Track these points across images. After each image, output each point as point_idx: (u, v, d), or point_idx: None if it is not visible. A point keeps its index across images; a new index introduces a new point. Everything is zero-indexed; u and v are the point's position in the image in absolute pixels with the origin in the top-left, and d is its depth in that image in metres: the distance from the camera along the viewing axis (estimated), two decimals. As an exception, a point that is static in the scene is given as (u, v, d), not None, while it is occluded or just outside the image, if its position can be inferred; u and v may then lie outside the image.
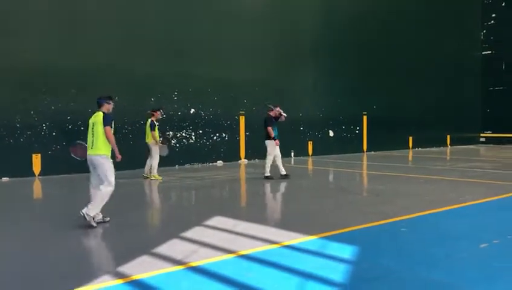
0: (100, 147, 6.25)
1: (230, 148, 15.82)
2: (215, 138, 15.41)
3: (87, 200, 6.48)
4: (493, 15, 26.62)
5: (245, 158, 16.09)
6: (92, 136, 6.30)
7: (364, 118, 20.22)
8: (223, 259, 4.70)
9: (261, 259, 4.69)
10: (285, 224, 6.27)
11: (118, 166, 11.64)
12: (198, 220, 6.65)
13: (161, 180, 11.25)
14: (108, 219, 6.50)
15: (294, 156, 17.45)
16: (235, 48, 15.85)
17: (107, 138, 6.26)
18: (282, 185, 10.45)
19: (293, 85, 17.57)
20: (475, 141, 26.70)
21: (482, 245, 5.13)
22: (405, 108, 21.58)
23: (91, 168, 6.44)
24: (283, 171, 11.31)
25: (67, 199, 8.92)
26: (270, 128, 11.08)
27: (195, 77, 14.79)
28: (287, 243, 5.25)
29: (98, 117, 6.34)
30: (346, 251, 4.92)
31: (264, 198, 8.79)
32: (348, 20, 19.40)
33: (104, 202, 6.23)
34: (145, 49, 13.82)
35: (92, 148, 6.28)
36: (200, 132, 15.07)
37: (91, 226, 6.09)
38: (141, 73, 13.67)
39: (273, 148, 11.12)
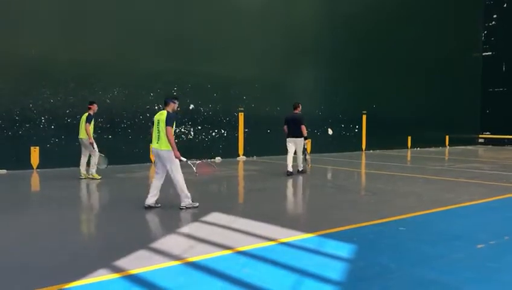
0: (165, 142, 6.88)
1: (229, 144, 15.81)
2: (214, 134, 15.40)
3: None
4: (494, 16, 26.61)
5: (243, 155, 16.09)
6: (158, 132, 6.96)
7: (364, 117, 20.23)
8: (220, 255, 4.70)
9: (257, 256, 4.69)
10: (282, 221, 6.27)
11: (117, 160, 11.58)
12: (195, 216, 6.65)
13: (99, 180, 10.31)
14: (159, 205, 7.14)
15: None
16: (236, 44, 15.82)
17: (167, 136, 6.84)
18: (280, 183, 10.45)
19: (292, 83, 17.55)
20: (474, 141, 26.72)
21: (479, 246, 5.14)
22: (404, 108, 21.59)
23: (156, 159, 7.13)
24: (300, 167, 11.84)
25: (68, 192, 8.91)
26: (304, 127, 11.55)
27: (195, 73, 14.78)
28: (284, 240, 5.25)
29: (162, 115, 6.95)
30: (343, 249, 4.92)
31: (262, 195, 8.79)
32: (348, 19, 19.38)
33: (185, 188, 7.02)
34: (145, 44, 13.80)
35: (157, 142, 6.96)
36: (199, 128, 15.06)
37: (195, 207, 7.04)
38: (141, 68, 13.66)
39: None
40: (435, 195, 8.84)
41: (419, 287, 3.90)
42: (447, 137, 24.69)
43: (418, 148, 22.47)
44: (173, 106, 7.16)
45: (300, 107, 11.93)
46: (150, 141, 7.30)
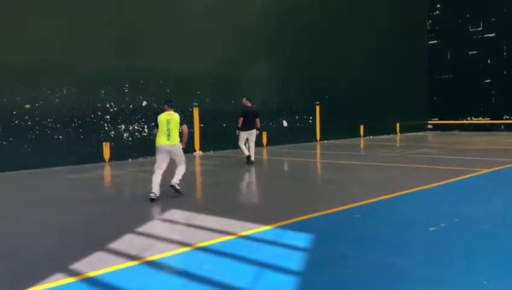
0: (176, 138, 7.72)
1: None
2: (168, 130, 15.21)
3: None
4: (438, 5, 27.52)
5: (200, 150, 15.99)
6: (168, 130, 7.62)
7: (317, 107, 20.51)
8: (179, 252, 4.67)
9: (217, 251, 4.69)
10: (241, 214, 6.29)
11: (68, 160, 11.28)
12: (153, 213, 6.57)
13: None
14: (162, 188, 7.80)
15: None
16: (188, 39, 15.64)
17: (184, 133, 7.89)
18: (238, 176, 10.47)
19: (246, 76, 17.55)
20: (423, 128, 27.63)
21: (431, 229, 5.34)
22: (356, 98, 22.02)
23: (164, 156, 7.72)
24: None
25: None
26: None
27: (147, 69, 14.50)
28: (243, 233, 5.28)
29: (173, 116, 7.71)
30: (302, 239, 5.00)
31: (220, 189, 8.78)
32: (299, 10, 19.53)
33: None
34: (95, 41, 13.41)
35: (168, 139, 7.62)
36: (153, 124, 14.79)
37: (179, 192, 7.73)
38: (91, 65, 13.26)
39: None
40: (388, 182, 9.11)
41: (376, 271, 4.01)
42: (398, 124, 25.41)
43: (371, 137, 23.02)
44: (167, 107, 7.92)
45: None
46: (154, 140, 7.88)
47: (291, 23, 19.23)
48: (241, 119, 12.05)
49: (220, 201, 7.57)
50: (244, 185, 9.57)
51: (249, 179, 10.17)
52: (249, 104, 12.37)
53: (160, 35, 14.87)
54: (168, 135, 7.63)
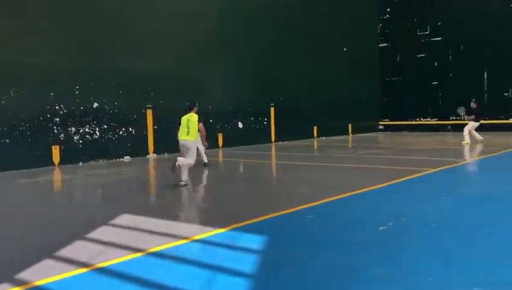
0: (193, 135, 9.11)
1: (138, 143, 15.41)
2: (121, 132, 14.92)
3: None
4: (388, 9, 28.34)
5: (154, 153, 15.78)
6: (187, 128, 9.10)
7: (272, 109, 20.68)
8: (131, 258, 4.59)
9: (170, 255, 4.65)
10: (194, 218, 6.26)
11: (16, 165, 10.94)
12: (104, 219, 6.43)
13: None
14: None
15: (205, 148, 17.37)
16: (140, 39, 15.39)
17: (200, 130, 9.74)
18: (192, 179, 10.41)
19: (201, 77, 17.47)
20: (374, 129, 28.36)
21: (381, 228, 5.49)
22: (310, 99, 22.36)
23: (183, 149, 9.19)
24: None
25: None
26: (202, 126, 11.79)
27: (98, 70, 14.18)
28: (196, 237, 5.25)
29: (192, 117, 9.27)
30: (255, 241, 5.03)
31: (174, 193, 8.69)
32: (253, 13, 19.63)
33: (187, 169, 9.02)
34: (44, 41, 12.97)
35: (187, 136, 9.08)
36: (105, 126, 14.51)
37: (183, 185, 8.91)
38: (40, 67, 12.82)
39: None
40: (340, 182, 9.30)
41: (330, 271, 4.09)
42: (350, 125, 25.97)
43: (324, 138, 23.42)
44: (196, 109, 9.53)
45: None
46: (176, 137, 9.31)
47: (246, 25, 19.30)
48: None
49: (174, 205, 7.50)
50: (198, 187, 9.52)
51: (203, 182, 10.12)
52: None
53: (112, 35, 14.57)
54: (187, 133, 9.12)
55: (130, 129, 15.19)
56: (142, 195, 8.80)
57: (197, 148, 11.95)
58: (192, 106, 9.59)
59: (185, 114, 9.40)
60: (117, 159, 14.65)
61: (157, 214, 6.64)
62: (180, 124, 9.31)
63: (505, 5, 24.00)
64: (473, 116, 17.36)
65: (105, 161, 14.30)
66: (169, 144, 16.00)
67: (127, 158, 14.78)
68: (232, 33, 18.79)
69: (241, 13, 19.24)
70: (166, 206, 7.40)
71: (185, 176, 9.00)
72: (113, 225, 6.05)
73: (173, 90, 16.27)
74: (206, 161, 12.10)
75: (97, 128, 14.28)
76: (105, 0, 14.54)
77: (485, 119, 20.41)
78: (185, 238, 5.22)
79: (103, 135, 14.46)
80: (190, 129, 9.13)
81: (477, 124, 17.32)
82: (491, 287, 3.61)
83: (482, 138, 17.37)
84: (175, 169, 8.75)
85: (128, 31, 15.04)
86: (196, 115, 9.36)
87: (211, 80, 17.90)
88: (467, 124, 17.59)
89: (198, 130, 9.48)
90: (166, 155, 15.64)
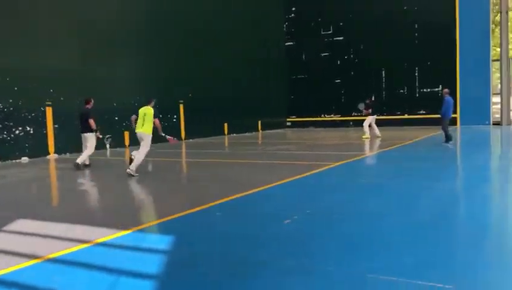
0: (147, 128, 9.73)
1: (37, 142, 14.46)
2: (17, 132, 13.92)
3: None
4: (293, 8, 29.12)
5: (55, 153, 14.91)
6: (143, 121, 9.70)
7: (181, 106, 20.42)
8: (27, 266, 4.28)
9: (70, 261, 4.41)
10: (98, 220, 6.00)
11: None
12: (-3, 225, 5.95)
13: None
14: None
15: (109, 147, 16.75)
16: (39, 34, 14.45)
17: (156, 125, 9.80)
18: (95, 180, 9.99)
19: (106, 75, 16.77)
20: (283, 125, 29.06)
21: (286, 221, 5.63)
22: (220, 97, 22.36)
23: (140, 140, 9.83)
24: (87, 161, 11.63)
25: None
26: (92, 121, 11.29)
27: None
28: (99, 240, 5.03)
29: (148, 110, 9.82)
30: (162, 242, 4.93)
31: (76, 195, 8.28)
32: (163, 11, 19.23)
33: (141, 161, 9.77)
34: None
35: (142, 128, 9.71)
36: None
37: (133, 176, 9.45)
38: None
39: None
40: (249, 178, 9.41)
41: (238, 267, 4.11)
42: (260, 122, 26.40)
43: (234, 135, 23.59)
44: (152, 103, 10.09)
45: (92, 101, 11.92)
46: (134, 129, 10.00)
47: (154, 22, 18.87)
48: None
49: (75, 207, 7.13)
50: (101, 189, 9.14)
51: (107, 183, 9.75)
52: (85, 106, 11.69)
53: (7, 30, 13.54)
54: (142, 125, 9.72)
55: (28, 128, 14.22)
56: (40, 198, 8.27)
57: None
58: (150, 99, 10.23)
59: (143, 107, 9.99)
60: (14, 161, 13.66)
61: (56, 217, 6.28)
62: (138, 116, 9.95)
63: (398, 7, 25.66)
64: (370, 111, 18.33)
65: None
66: (71, 143, 15.22)
67: (24, 159, 13.82)
68: (141, 30, 18.28)
69: (149, 12, 18.77)
70: (69, 209, 7.02)
71: (133, 166, 9.53)
72: (8, 231, 5.62)
73: (75, 88, 15.48)
74: (78, 161, 11.20)
75: (-12, 127, 13.21)
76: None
77: (382, 114, 21.75)
78: (87, 241, 4.98)
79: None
80: (145, 122, 9.71)
81: (374, 117, 18.32)
82: (393, 272, 3.83)
83: (380, 134, 18.38)
84: (133, 173, 9.47)
85: (25, 25, 14.06)
86: (152, 109, 9.83)
87: (116, 77, 17.27)
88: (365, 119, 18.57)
89: (154, 124, 9.82)
90: (68, 155, 14.85)
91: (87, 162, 11.61)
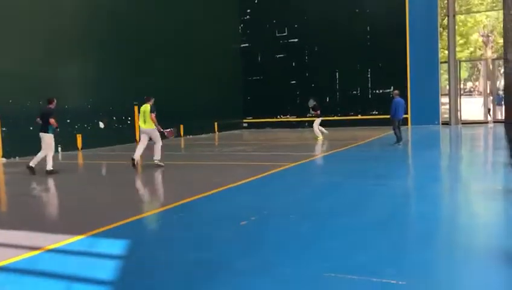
0: (149, 124, 10.97)
1: (-17, 146, 13.87)
2: (-38, 136, 13.30)
3: None
4: (248, 10, 29.21)
5: (3, 157, 14.33)
6: (144, 117, 11.06)
7: (136, 108, 20.08)
8: (-27, 276, 4.11)
9: (19, 269, 4.26)
10: (49, 226, 5.82)
11: None
12: None
13: None
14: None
15: (61, 150, 16.27)
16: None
17: (152, 120, 10.89)
18: (50, 184, 9.68)
19: (57, 76, 16.28)
20: (239, 126, 29.08)
21: (242, 223, 5.65)
22: (175, 98, 22.11)
23: (143, 136, 11.26)
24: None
25: None
26: (53, 120, 10.74)
27: None
28: (51, 246, 4.88)
29: (146, 107, 11.07)
30: (117, 247, 4.84)
31: (27, 200, 7.99)
32: (117, 12, 18.86)
33: (160, 151, 11.19)
34: None
35: (144, 124, 11.09)
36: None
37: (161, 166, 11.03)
38: None
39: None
40: (205, 180, 9.37)
41: (192, 270, 4.09)
42: (216, 123, 26.32)
43: (191, 136, 23.41)
44: (151, 101, 11.16)
45: (55, 101, 11.34)
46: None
47: (107, 20, 18.48)
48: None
49: (25, 213, 6.89)
50: (56, 193, 8.87)
51: (61, 187, 9.46)
52: (48, 106, 11.17)
53: None
54: (144, 121, 11.06)
55: (-27, 132, 13.61)
56: (-13, 204, 7.94)
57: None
58: (148, 97, 11.30)
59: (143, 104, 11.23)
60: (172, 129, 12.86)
61: (4, 224, 6.04)
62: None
63: (351, 10, 26.22)
64: (318, 112, 18.39)
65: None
66: (21, 146, 14.67)
67: (-31, 164, 13.22)
68: (93, 30, 17.85)
69: (104, 13, 18.36)
70: (18, 215, 6.77)
71: (158, 156, 11.11)
72: (-49, 241, 5.36)
73: (24, 90, 14.95)
74: (31, 164, 10.75)
75: None
76: None
77: (333, 115, 22.01)
78: (38, 248, 4.82)
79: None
80: (146, 118, 10.98)
81: (320, 118, 18.26)
82: (348, 270, 3.92)
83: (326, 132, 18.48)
84: (158, 163, 10.98)
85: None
86: (149, 106, 11.01)
87: (67, 79, 16.79)
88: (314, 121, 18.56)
89: (152, 120, 10.88)
90: (17, 159, 14.31)
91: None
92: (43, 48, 15.77)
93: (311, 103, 18.87)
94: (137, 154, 11.13)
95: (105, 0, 18.67)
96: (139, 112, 20.28)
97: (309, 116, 26.80)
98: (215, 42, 25.99)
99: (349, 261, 4.15)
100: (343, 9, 26.27)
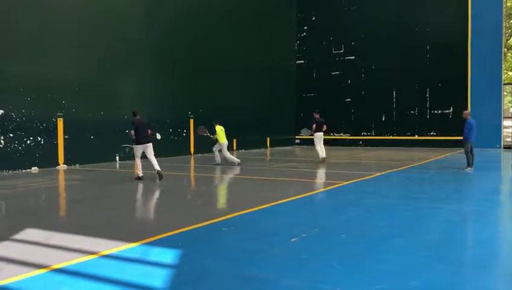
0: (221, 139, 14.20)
1: (47, 153, 14.59)
2: (28, 142, 14.05)
3: None
4: (305, 27, 29.33)
5: (64, 164, 15.01)
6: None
7: (191, 121, 20.52)
8: (33, 275, 4.30)
9: (76, 272, 4.41)
10: (105, 232, 6.00)
11: None
12: (6, 234, 5.98)
13: None
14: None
15: (119, 160, 16.83)
16: (51, 44, 14.68)
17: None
18: (104, 192, 10.01)
19: (118, 87, 16.97)
20: (291, 142, 29.06)
21: (293, 239, 5.60)
22: (229, 112, 22.45)
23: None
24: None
25: None
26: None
27: (3, 74, 13.31)
28: (105, 252, 5.03)
29: (218, 127, 14.10)
30: (168, 256, 4.91)
31: (84, 206, 8.30)
32: (175, 21, 19.48)
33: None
34: None
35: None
36: (11, 135, 13.59)
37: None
38: None
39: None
40: (256, 194, 9.38)
41: (240, 284, 4.09)
42: (268, 139, 26.43)
43: (243, 150, 23.61)
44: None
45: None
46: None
47: (167, 33, 19.10)
48: (133, 132, 11.75)
49: (83, 218, 7.15)
50: (109, 201, 9.16)
51: (115, 195, 9.76)
52: (137, 117, 11.92)
53: (19, 35, 13.76)
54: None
55: (39, 138, 14.36)
56: (49, 208, 8.31)
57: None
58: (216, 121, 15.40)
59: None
60: (24, 170, 13.76)
61: (64, 228, 6.30)
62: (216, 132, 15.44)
63: (410, 28, 25.71)
64: (316, 127, 17.04)
65: (10, 171, 13.38)
66: (81, 154, 15.32)
67: (34, 169, 13.94)
68: (152, 42, 18.50)
69: (161, 22, 19.00)
70: (75, 220, 7.04)
71: (218, 159, 15.35)
72: (16, 240, 5.64)
73: (87, 98, 15.66)
74: (157, 167, 11.83)
75: (2, 137, 13.36)
76: (20, 4, 13.72)
77: (390, 135, 21.47)
78: (94, 253, 4.98)
79: (9, 144, 13.54)
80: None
81: (321, 133, 17.07)
82: (394, 295, 3.79)
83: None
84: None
85: (37, 32, 14.29)
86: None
87: (127, 89, 17.44)
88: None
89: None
90: (77, 167, 14.94)
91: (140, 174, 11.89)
92: (101, 57, 16.45)
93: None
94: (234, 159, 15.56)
95: (164, 9, 19.27)
96: (195, 125, 20.79)
97: (364, 135, 26.46)
98: (272, 58, 26.24)
99: (400, 286, 4.01)
100: (402, 28, 25.83)
